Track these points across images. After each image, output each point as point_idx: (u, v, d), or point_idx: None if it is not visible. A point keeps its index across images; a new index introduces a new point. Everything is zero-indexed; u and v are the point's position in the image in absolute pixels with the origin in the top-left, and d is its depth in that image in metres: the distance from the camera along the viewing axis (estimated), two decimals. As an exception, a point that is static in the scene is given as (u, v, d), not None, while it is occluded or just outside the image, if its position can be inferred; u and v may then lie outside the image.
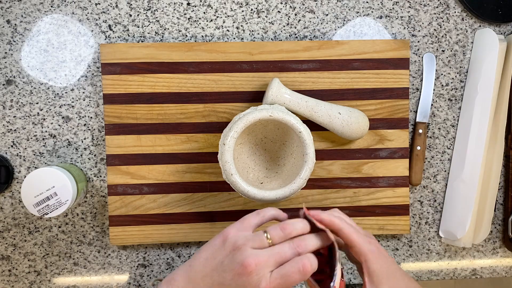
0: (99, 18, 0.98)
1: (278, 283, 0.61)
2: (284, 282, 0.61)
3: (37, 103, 0.97)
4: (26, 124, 0.97)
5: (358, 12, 1.02)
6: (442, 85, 1.04)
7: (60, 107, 0.98)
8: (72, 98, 0.98)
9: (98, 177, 0.99)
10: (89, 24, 0.98)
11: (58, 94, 0.98)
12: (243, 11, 1.01)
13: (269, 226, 0.67)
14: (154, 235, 0.98)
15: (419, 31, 1.04)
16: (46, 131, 0.98)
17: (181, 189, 0.98)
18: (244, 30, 1.01)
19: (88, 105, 0.98)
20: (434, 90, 1.04)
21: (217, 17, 1.00)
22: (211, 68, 0.97)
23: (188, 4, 0.99)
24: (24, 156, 0.98)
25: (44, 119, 0.98)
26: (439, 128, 1.04)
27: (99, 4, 0.98)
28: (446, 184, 1.05)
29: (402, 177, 1.01)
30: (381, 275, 0.68)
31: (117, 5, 0.98)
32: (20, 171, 0.98)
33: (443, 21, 1.04)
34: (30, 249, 0.99)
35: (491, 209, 1.03)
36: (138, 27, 0.99)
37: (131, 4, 0.99)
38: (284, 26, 1.01)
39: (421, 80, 1.04)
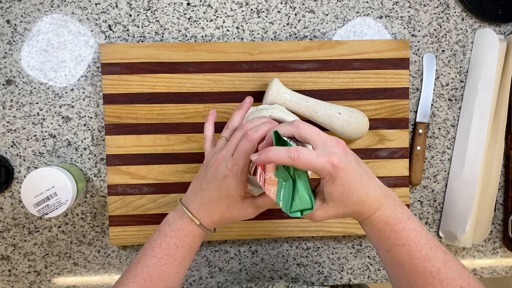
0: (99, 18, 0.98)
1: (237, 158, 0.71)
2: (241, 155, 0.71)
3: (37, 103, 0.97)
4: (26, 124, 0.97)
5: (358, 12, 1.02)
6: (442, 85, 1.04)
7: (60, 107, 0.98)
8: (72, 98, 0.98)
9: (98, 177, 0.99)
10: (89, 24, 0.98)
11: (58, 94, 0.98)
12: (243, 11, 1.01)
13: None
14: (154, 235, 0.98)
15: (419, 31, 1.03)
16: (46, 131, 0.98)
17: (181, 189, 0.98)
18: (244, 30, 1.01)
19: (88, 105, 0.98)
20: (434, 90, 1.04)
21: (217, 17, 1.00)
22: (211, 68, 0.97)
23: (188, 4, 0.99)
24: (24, 156, 0.98)
25: (44, 119, 0.98)
26: (439, 128, 1.04)
27: (99, 4, 0.98)
28: (446, 184, 1.05)
29: (402, 177, 1.01)
30: (336, 199, 0.67)
31: (117, 5, 0.98)
32: (20, 171, 0.98)
33: (443, 21, 1.04)
34: (30, 249, 0.99)
35: (491, 209, 1.03)
36: (138, 27, 0.99)
37: (131, 4, 0.99)
38: (284, 26, 1.01)
39: (421, 80, 1.04)
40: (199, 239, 0.75)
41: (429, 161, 1.05)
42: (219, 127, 0.97)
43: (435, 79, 1.04)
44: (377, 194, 0.68)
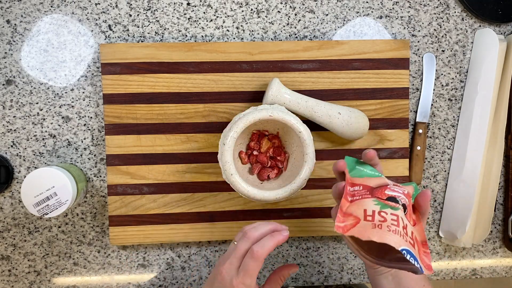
0: (99, 18, 0.98)
1: (243, 275, 0.70)
2: (247, 272, 0.70)
3: (37, 103, 0.97)
4: (26, 124, 0.97)
5: (358, 12, 1.02)
6: (442, 85, 1.04)
7: (60, 107, 0.98)
8: (72, 98, 0.98)
9: (98, 177, 0.99)
10: (89, 24, 0.98)
11: (58, 94, 0.98)
12: (243, 11, 1.01)
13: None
14: (154, 235, 0.98)
15: (419, 31, 1.03)
16: (46, 131, 0.98)
17: (181, 189, 0.98)
18: (244, 30, 1.01)
19: (88, 105, 0.98)
20: (434, 90, 1.04)
21: (217, 17, 1.00)
22: (211, 68, 0.97)
23: (188, 4, 0.99)
24: (24, 156, 0.98)
25: (44, 119, 0.98)
26: (439, 128, 1.04)
27: (99, 4, 0.98)
28: (446, 184, 1.05)
29: (402, 177, 1.01)
30: None
31: (117, 5, 0.98)
32: (20, 171, 0.98)
33: (443, 21, 1.04)
34: (30, 249, 0.99)
35: (491, 209, 1.03)
36: (138, 27, 0.99)
37: (131, 4, 0.99)
38: (284, 26, 1.01)
39: (421, 80, 1.04)
40: None
41: (429, 161, 1.05)
42: (219, 127, 0.97)
43: (435, 79, 1.04)
44: None
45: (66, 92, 0.98)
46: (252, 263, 0.70)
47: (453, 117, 1.05)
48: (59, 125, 0.98)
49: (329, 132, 0.98)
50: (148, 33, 0.99)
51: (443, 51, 1.04)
